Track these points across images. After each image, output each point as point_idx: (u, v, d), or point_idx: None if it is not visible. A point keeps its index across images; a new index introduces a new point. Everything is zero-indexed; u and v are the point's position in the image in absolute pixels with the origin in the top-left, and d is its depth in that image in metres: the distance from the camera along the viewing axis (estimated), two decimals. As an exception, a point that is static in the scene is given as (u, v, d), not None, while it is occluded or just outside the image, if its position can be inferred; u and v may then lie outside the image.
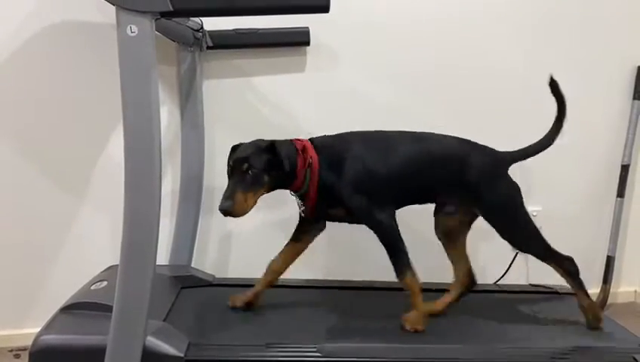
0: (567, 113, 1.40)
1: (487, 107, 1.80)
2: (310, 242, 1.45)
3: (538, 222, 1.85)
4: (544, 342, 1.34)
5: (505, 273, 1.75)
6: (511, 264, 1.70)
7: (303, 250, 1.44)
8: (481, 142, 1.42)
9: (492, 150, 1.41)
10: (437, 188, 1.38)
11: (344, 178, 1.30)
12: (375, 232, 1.31)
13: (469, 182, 1.35)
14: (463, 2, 1.75)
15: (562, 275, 1.42)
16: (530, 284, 1.69)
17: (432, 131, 1.42)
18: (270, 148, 1.26)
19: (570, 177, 1.89)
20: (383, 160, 1.33)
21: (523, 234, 1.40)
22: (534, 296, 1.54)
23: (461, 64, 1.78)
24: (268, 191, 1.29)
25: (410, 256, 1.32)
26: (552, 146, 1.42)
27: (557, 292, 1.64)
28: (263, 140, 1.30)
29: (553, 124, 1.41)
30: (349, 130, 1.39)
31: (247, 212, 1.24)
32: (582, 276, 1.85)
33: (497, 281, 1.77)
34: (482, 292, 1.66)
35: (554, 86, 1.39)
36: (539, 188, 1.87)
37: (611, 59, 1.85)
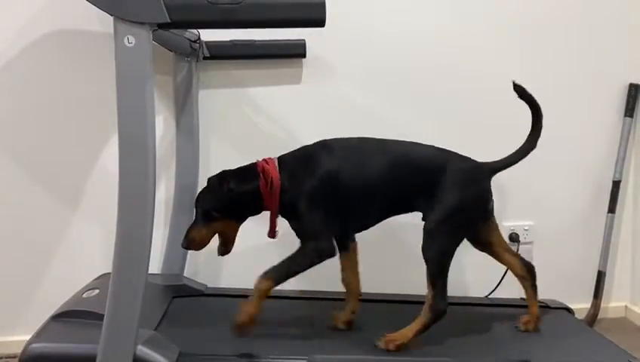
0: (542, 115, 1.38)
1: (484, 119, 1.81)
2: (355, 246, 1.47)
3: (530, 237, 1.89)
4: (534, 355, 1.34)
5: (496, 287, 1.76)
6: (502, 277, 1.71)
7: (355, 256, 1.47)
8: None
9: (469, 160, 1.40)
10: (409, 197, 1.36)
11: (300, 190, 1.31)
12: (300, 246, 1.32)
13: (435, 188, 1.33)
14: (459, 16, 1.78)
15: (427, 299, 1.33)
16: (521, 298, 1.70)
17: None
18: (209, 186, 1.35)
19: (561, 193, 1.90)
20: (350, 172, 1.33)
21: (441, 247, 1.32)
22: (525, 310, 1.55)
23: (457, 76, 1.80)
24: (239, 220, 1.36)
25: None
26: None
27: (548, 306, 1.65)
28: (214, 177, 1.35)
29: (531, 129, 1.41)
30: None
31: (204, 245, 1.36)
32: (573, 291, 1.89)
33: (489, 295, 1.78)
34: (473, 305, 1.67)
35: (521, 91, 1.38)
36: (530, 203, 1.88)
37: (603, 76, 1.87)
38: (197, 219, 1.34)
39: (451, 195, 1.33)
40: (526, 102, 1.39)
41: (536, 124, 1.40)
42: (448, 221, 1.33)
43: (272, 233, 1.37)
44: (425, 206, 1.36)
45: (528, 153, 1.41)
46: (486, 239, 1.46)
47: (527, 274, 1.48)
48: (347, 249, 1.46)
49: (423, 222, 1.34)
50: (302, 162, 1.35)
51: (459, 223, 1.35)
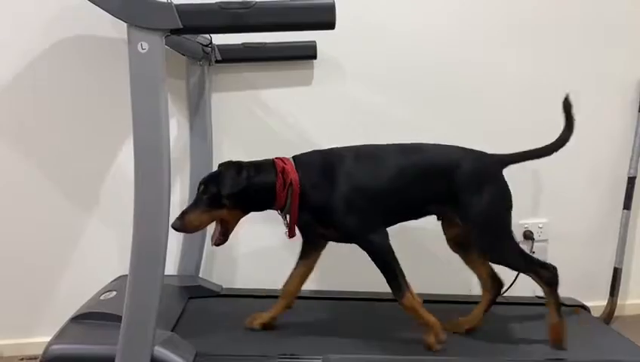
0: (573, 132, 1.40)
1: (494, 118, 1.81)
2: (318, 257, 1.45)
3: (544, 235, 1.88)
4: (549, 354, 1.34)
5: (511, 285, 1.75)
6: (517, 276, 1.70)
7: (313, 267, 1.45)
8: (485, 151, 1.42)
9: (481, 154, 1.40)
10: (429, 201, 1.36)
11: (333, 197, 1.29)
12: (368, 253, 1.30)
13: (456, 190, 1.34)
14: (470, 15, 1.77)
15: (540, 284, 1.38)
16: (536, 296, 1.69)
17: (438, 141, 1.42)
18: (221, 173, 1.30)
19: (575, 189, 1.89)
20: (372, 175, 1.32)
21: (502, 247, 1.36)
22: (540, 308, 1.54)
23: (469, 75, 1.79)
24: (243, 213, 1.33)
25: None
26: (558, 159, 1.42)
27: (564, 304, 1.63)
28: (230, 163, 1.32)
29: (558, 138, 1.41)
30: (348, 144, 1.40)
31: (197, 230, 1.32)
32: (589, 288, 1.87)
33: (503, 293, 1.76)
34: (488, 304, 1.67)
35: (567, 106, 1.40)
36: (545, 200, 1.87)
37: (617, 72, 1.86)
38: (199, 201, 1.29)
39: (480, 197, 1.33)
40: (566, 117, 1.41)
41: (565, 135, 1.42)
42: (490, 220, 1.34)
43: (292, 232, 1.35)
44: (447, 210, 1.36)
45: (546, 156, 1.42)
46: (465, 240, 1.45)
47: (491, 289, 1.47)
48: (308, 258, 1.45)
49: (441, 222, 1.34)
50: (322, 168, 1.33)
51: (501, 217, 1.36)
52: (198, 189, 1.31)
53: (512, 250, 1.36)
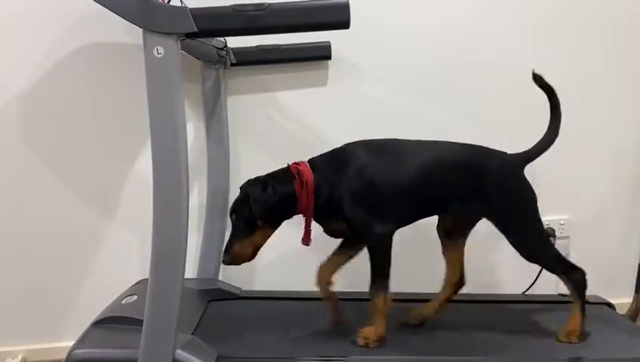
0: (559, 101, 1.38)
1: (511, 116, 1.78)
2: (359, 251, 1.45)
3: (565, 231, 1.85)
4: (576, 352, 1.32)
5: (533, 283, 1.73)
6: (539, 274, 1.68)
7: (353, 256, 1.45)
8: (502, 149, 1.41)
9: (505, 154, 1.39)
10: (449, 199, 1.35)
11: (341, 188, 1.29)
12: (367, 244, 1.31)
13: (482, 191, 1.33)
14: (486, 13, 1.75)
15: (568, 286, 1.39)
16: (559, 294, 1.67)
17: (455, 140, 1.41)
18: (248, 196, 1.29)
19: (597, 185, 1.86)
20: (387, 171, 1.31)
21: (535, 245, 1.37)
22: (563, 307, 1.52)
23: (485, 74, 1.77)
24: (276, 227, 1.33)
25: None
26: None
27: (588, 302, 1.60)
28: (250, 182, 1.32)
29: (551, 116, 1.40)
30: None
31: (249, 259, 1.32)
32: (613, 285, 1.84)
33: (525, 291, 1.75)
34: (511, 302, 1.64)
35: (538, 79, 1.38)
36: (565, 196, 1.84)
37: (635, 63, 1.82)
38: (237, 230, 1.30)
39: (508, 195, 1.34)
40: (543, 89, 1.39)
41: (555, 110, 1.39)
42: (521, 218, 1.35)
43: (307, 240, 1.34)
44: (474, 209, 1.36)
45: (555, 140, 1.40)
46: (459, 233, 1.45)
47: (454, 285, 1.47)
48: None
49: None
50: (332, 162, 1.33)
51: (530, 214, 1.35)
52: (231, 218, 1.31)
53: (548, 250, 1.38)
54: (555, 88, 1.38)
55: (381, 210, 1.30)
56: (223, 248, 1.32)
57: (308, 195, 1.29)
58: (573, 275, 1.37)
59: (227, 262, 1.30)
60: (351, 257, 1.44)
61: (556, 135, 1.40)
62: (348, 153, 1.34)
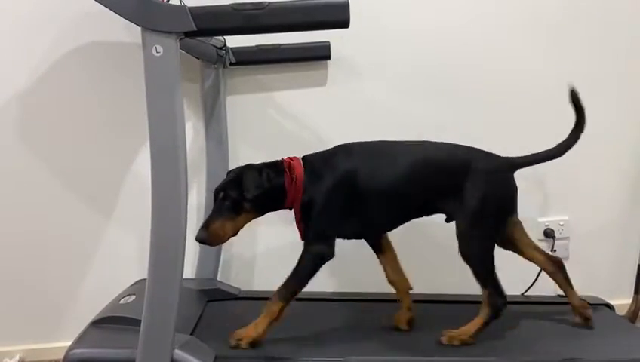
0: (585, 125, 1.37)
1: (512, 118, 1.78)
2: (389, 242, 1.46)
3: (565, 232, 1.85)
4: (575, 353, 1.31)
5: (532, 284, 1.72)
6: (538, 275, 1.68)
7: (393, 252, 1.47)
8: (506, 152, 1.40)
9: (491, 156, 1.38)
10: (435, 198, 1.35)
11: (317, 191, 1.30)
12: (302, 255, 1.30)
13: (462, 188, 1.32)
14: (487, 12, 1.75)
15: (484, 304, 1.34)
16: (558, 295, 1.66)
17: (454, 140, 1.41)
18: (241, 177, 1.29)
19: (597, 186, 1.86)
20: (374, 171, 1.32)
21: (480, 246, 1.33)
22: (562, 308, 1.52)
23: (485, 74, 1.77)
24: (259, 215, 1.33)
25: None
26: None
27: (587, 303, 1.61)
28: (246, 166, 1.32)
29: (570, 134, 1.39)
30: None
31: (224, 240, 1.29)
32: (612, 287, 1.84)
33: (525, 292, 1.74)
34: (510, 303, 1.63)
35: (574, 97, 1.37)
36: (565, 197, 1.84)
37: (636, 64, 1.82)
38: (221, 209, 1.27)
39: (478, 195, 1.32)
40: (575, 109, 1.38)
41: (577, 130, 1.38)
42: (480, 221, 1.32)
43: (301, 232, 1.34)
44: (451, 207, 1.34)
45: (559, 156, 1.39)
46: (511, 236, 1.44)
47: (556, 268, 1.46)
48: (380, 249, 1.46)
49: (454, 224, 1.33)
50: (322, 163, 1.34)
51: (490, 221, 1.34)
52: (217, 197, 1.30)
53: (486, 261, 1.33)
54: (584, 111, 1.37)
55: (334, 228, 1.32)
56: (201, 224, 1.29)
57: (296, 190, 1.30)
58: (493, 299, 1.33)
59: (202, 239, 1.26)
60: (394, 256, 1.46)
61: (565, 151, 1.39)
62: (334, 154, 1.35)
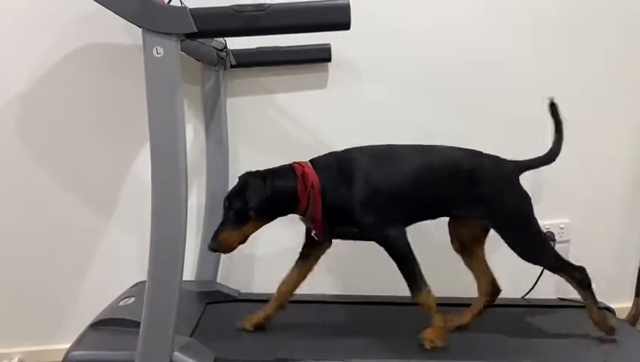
0: (564, 133, 1.43)
1: (515, 119, 1.77)
2: (318, 260, 1.44)
3: (565, 235, 1.85)
4: (576, 356, 1.31)
5: (532, 287, 1.72)
6: (539, 278, 1.67)
7: (311, 269, 1.44)
8: (510, 153, 1.41)
9: (502, 160, 1.40)
10: (448, 202, 1.36)
11: (351, 196, 1.29)
12: (386, 249, 1.29)
13: (480, 193, 1.34)
14: (488, 13, 1.74)
15: (574, 286, 1.40)
16: (558, 298, 1.66)
17: (456, 142, 1.41)
18: (245, 186, 1.29)
19: (597, 189, 1.85)
20: (389, 174, 1.32)
21: (534, 246, 1.38)
22: (563, 310, 1.51)
23: (487, 76, 1.76)
24: (268, 221, 1.33)
25: (425, 270, 1.30)
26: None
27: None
28: (249, 174, 1.32)
29: (554, 142, 1.43)
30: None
31: (234, 248, 1.30)
32: (613, 290, 1.83)
33: (525, 296, 1.74)
34: (510, 306, 1.64)
35: (553, 109, 1.42)
36: (565, 200, 1.84)
37: (636, 65, 1.82)
38: (228, 219, 1.29)
39: (507, 202, 1.35)
40: (554, 119, 1.43)
41: (558, 139, 1.44)
42: (520, 223, 1.36)
43: (323, 235, 1.34)
44: (473, 211, 1.35)
45: (552, 161, 1.43)
46: (472, 242, 1.46)
47: (488, 295, 1.47)
48: (308, 259, 1.44)
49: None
50: (339, 168, 1.32)
51: (529, 218, 1.36)
52: (224, 206, 1.30)
53: (547, 251, 1.40)
54: (563, 122, 1.42)
55: (390, 214, 1.30)
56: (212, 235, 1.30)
57: (315, 198, 1.29)
58: (575, 274, 1.38)
59: (213, 248, 1.29)
60: (310, 270, 1.44)
61: (556, 154, 1.43)
62: (351, 159, 1.34)
